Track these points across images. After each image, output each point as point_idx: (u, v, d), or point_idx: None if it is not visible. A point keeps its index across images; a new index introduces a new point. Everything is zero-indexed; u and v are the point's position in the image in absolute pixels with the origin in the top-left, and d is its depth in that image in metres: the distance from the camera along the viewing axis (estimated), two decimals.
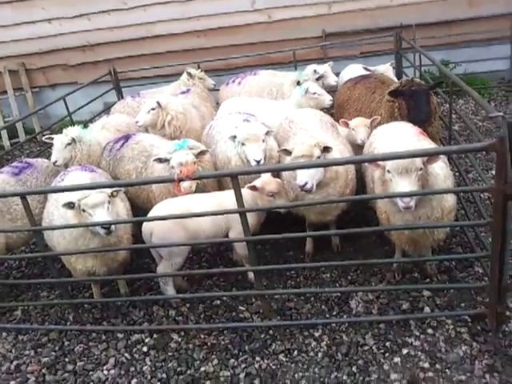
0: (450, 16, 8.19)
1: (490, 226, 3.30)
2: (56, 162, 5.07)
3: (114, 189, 3.82)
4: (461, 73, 8.09)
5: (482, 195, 5.05)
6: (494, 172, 5.13)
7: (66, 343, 4.08)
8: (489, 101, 7.78)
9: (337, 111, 5.95)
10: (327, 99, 5.55)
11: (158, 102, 5.37)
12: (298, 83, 6.05)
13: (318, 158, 3.84)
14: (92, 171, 4.58)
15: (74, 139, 5.15)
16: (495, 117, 3.12)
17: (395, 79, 6.47)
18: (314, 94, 5.50)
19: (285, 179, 4.28)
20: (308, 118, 4.77)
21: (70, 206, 3.68)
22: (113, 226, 3.65)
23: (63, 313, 4.45)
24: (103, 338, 4.07)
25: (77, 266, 4.03)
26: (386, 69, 6.56)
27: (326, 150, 3.88)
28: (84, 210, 3.68)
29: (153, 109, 5.37)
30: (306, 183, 3.73)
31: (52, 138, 5.18)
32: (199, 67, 7.62)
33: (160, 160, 4.29)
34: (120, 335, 4.06)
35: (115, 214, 3.85)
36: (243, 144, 4.38)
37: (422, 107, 4.62)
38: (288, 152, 3.98)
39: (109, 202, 3.73)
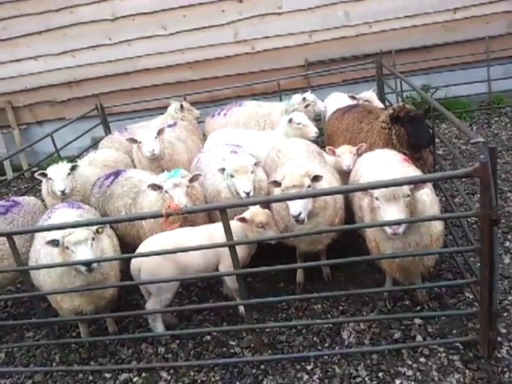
0: (427, 41, 8.43)
1: (477, 251, 3.31)
2: (65, 189, 5.01)
3: (99, 225, 3.80)
4: (442, 97, 8.28)
5: (468, 219, 5.08)
6: (479, 195, 5.21)
7: None
8: (471, 124, 7.92)
9: (327, 142, 6.00)
10: (312, 131, 5.58)
11: (159, 131, 5.47)
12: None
13: (309, 187, 3.86)
14: (79, 208, 4.55)
15: (73, 167, 5.17)
16: (476, 143, 3.17)
17: (381, 105, 6.59)
18: (299, 124, 5.58)
19: (274, 210, 4.28)
20: (295, 147, 4.80)
21: (54, 243, 3.68)
22: (94, 264, 3.62)
23: (49, 353, 4.35)
24: (90, 378, 3.97)
25: (63, 305, 3.97)
26: (370, 95, 6.65)
27: (316, 179, 3.90)
28: (67, 248, 3.66)
29: (155, 137, 5.42)
30: (300, 213, 3.74)
31: (45, 174, 5.12)
32: (185, 100, 7.72)
33: (153, 186, 4.30)
34: (108, 375, 3.96)
35: (99, 251, 3.82)
36: (232, 176, 4.40)
37: (423, 133, 4.66)
38: (277, 183, 3.99)
39: (93, 239, 3.72)
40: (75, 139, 7.62)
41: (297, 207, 3.74)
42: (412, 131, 4.66)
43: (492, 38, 8.07)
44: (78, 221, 4.05)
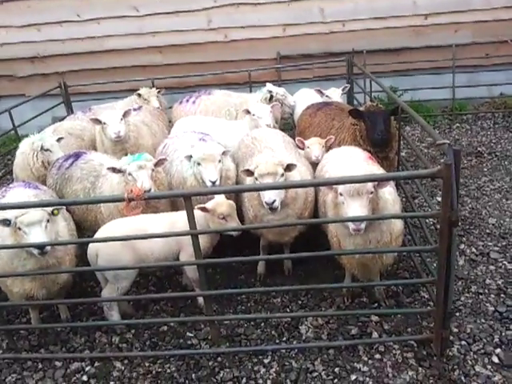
0: (397, 44, 8.55)
1: (435, 251, 3.38)
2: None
3: (56, 207, 3.64)
4: (408, 100, 8.42)
5: (427, 220, 5.19)
6: (438, 198, 5.32)
7: None
8: (434, 128, 8.11)
9: (299, 137, 5.97)
10: (263, 124, 5.45)
11: (125, 113, 5.32)
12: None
13: (282, 176, 3.86)
14: (36, 188, 4.39)
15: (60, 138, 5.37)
16: (442, 144, 3.21)
17: (340, 101, 6.56)
18: (253, 115, 5.57)
19: (246, 198, 4.23)
20: (272, 136, 4.80)
21: (5, 223, 3.49)
22: (48, 247, 3.47)
23: None
24: (40, 366, 3.83)
25: (13, 289, 3.80)
26: (331, 91, 6.62)
27: (289, 168, 3.90)
28: (20, 228, 3.49)
29: (121, 119, 5.26)
30: (275, 201, 3.74)
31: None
32: (153, 84, 7.53)
33: (113, 169, 4.16)
34: (58, 363, 3.83)
35: (54, 234, 3.66)
36: (199, 164, 4.33)
37: (377, 127, 4.63)
38: (250, 172, 3.95)
39: (48, 221, 3.56)
40: (35, 117, 7.30)
41: (271, 195, 3.74)
42: (369, 126, 4.70)
43: (459, 46, 8.27)
44: (32, 201, 3.88)
